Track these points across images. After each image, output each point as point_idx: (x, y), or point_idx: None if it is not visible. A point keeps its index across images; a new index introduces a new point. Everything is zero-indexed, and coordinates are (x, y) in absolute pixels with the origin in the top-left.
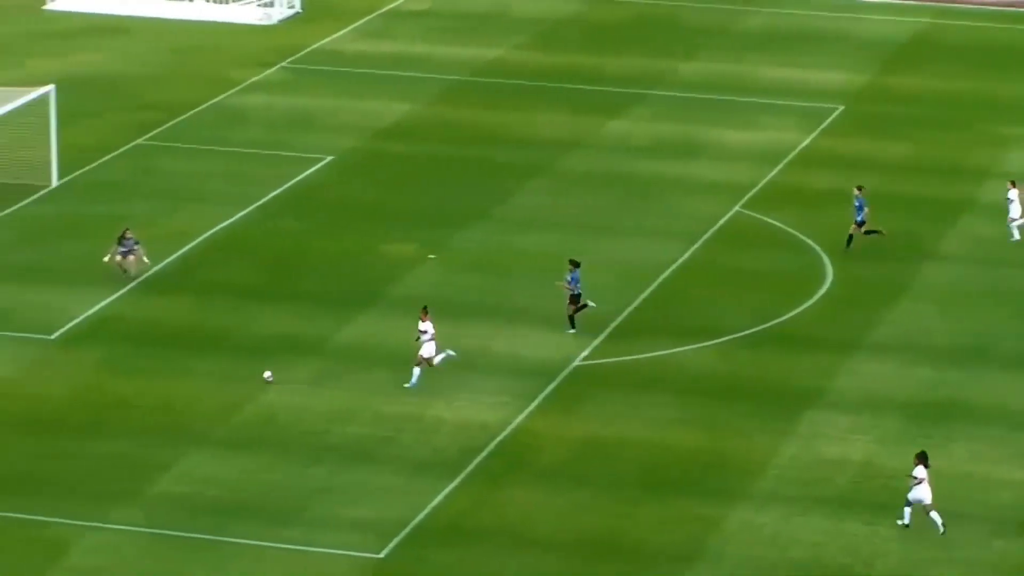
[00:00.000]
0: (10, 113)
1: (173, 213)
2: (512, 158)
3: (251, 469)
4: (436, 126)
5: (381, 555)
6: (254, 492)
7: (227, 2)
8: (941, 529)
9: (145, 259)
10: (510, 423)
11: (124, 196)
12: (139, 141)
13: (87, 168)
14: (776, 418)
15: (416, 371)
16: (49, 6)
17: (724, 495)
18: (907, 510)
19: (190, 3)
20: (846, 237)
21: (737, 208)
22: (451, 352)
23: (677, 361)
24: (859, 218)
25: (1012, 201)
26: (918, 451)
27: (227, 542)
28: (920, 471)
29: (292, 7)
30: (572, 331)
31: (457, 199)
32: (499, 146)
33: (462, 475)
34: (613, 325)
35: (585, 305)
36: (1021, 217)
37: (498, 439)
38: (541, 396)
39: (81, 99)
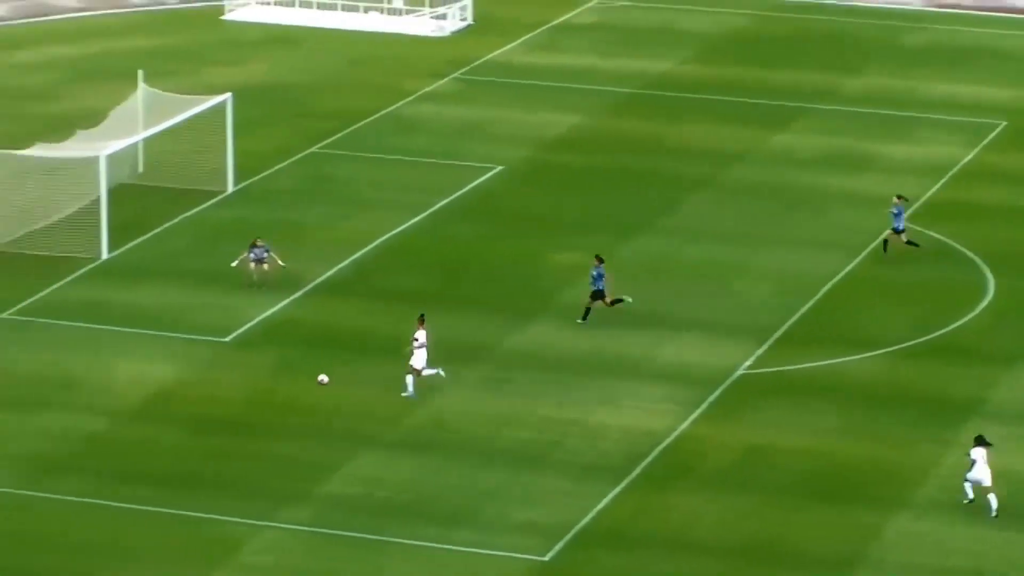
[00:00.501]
0: (188, 120)
1: (346, 219)
2: (678, 169)
3: (420, 471)
4: (604, 138)
5: (546, 558)
6: (422, 494)
7: (401, 14)
8: (993, 513)
9: (280, 262)
10: (674, 430)
11: (298, 202)
12: (313, 149)
13: (262, 175)
14: (937, 428)
15: (409, 379)
16: (227, 16)
17: (885, 503)
18: (967, 486)
19: (364, 15)
20: (908, 243)
21: None
22: (441, 372)
23: (839, 371)
24: (898, 226)
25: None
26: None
27: (395, 543)
28: (977, 452)
29: (464, 19)
30: (581, 322)
31: (624, 209)
32: (665, 157)
33: (627, 480)
34: (777, 335)
35: (621, 300)
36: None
37: (662, 445)
38: (705, 403)
39: (257, 107)
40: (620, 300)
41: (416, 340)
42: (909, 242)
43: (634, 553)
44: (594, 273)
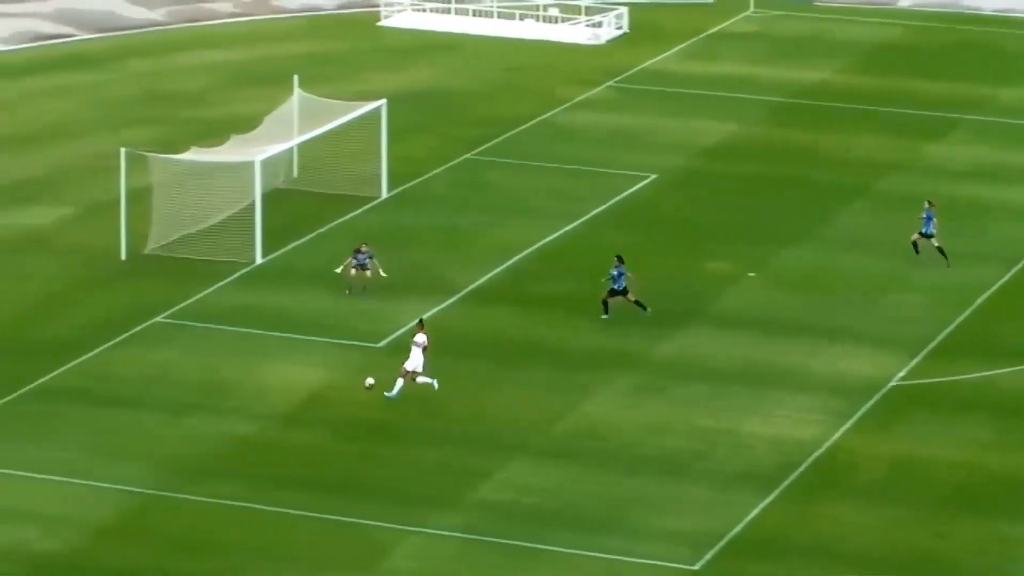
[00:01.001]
0: (343, 126)
1: (500, 226)
2: (833, 179)
3: (569, 478)
4: (758, 146)
5: (696, 567)
6: (571, 501)
7: (557, 22)
8: None
9: (381, 272)
10: (825, 440)
11: (451, 208)
12: (468, 155)
13: (416, 180)
14: None
15: (400, 383)
16: (383, 23)
17: None
18: None
19: (520, 22)
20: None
21: None
22: (435, 384)
23: (993, 383)
24: (928, 230)
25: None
26: None
27: (543, 549)
28: None
29: (620, 27)
30: (605, 316)
31: (778, 218)
32: (820, 167)
33: (777, 490)
34: (930, 346)
35: (643, 306)
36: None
37: (813, 456)
38: (857, 414)
39: (412, 113)
40: (642, 305)
41: (416, 343)
42: (939, 249)
43: (783, 563)
44: (614, 273)
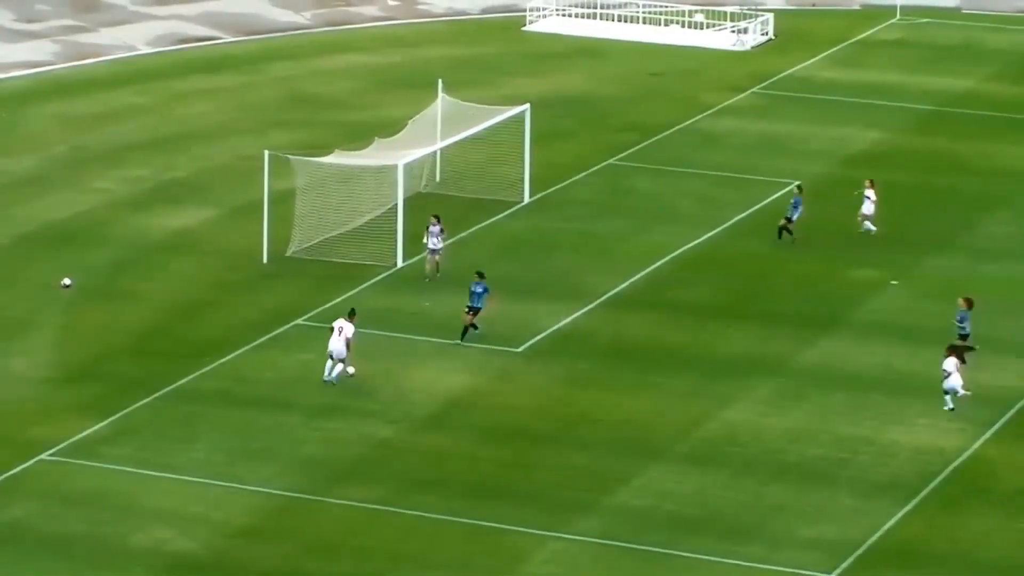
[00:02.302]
0: (486, 130)
1: (642, 232)
2: (979, 187)
3: (709, 485)
4: (904, 154)
5: (833, 575)
6: (711, 508)
7: (702, 28)
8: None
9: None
10: (967, 449)
11: (594, 214)
12: (611, 161)
13: (559, 186)
14: None
15: (329, 365)
16: (528, 28)
17: None
18: (947, 398)
19: (665, 28)
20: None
21: None
22: (350, 370)
23: None
24: (793, 216)
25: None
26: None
27: (681, 556)
28: (949, 363)
29: (765, 33)
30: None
31: (923, 226)
32: (966, 175)
33: (917, 499)
34: None
35: (473, 326)
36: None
37: (954, 464)
38: (999, 424)
39: (556, 118)
40: (471, 327)
41: (336, 328)
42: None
43: (923, 572)
44: (477, 290)
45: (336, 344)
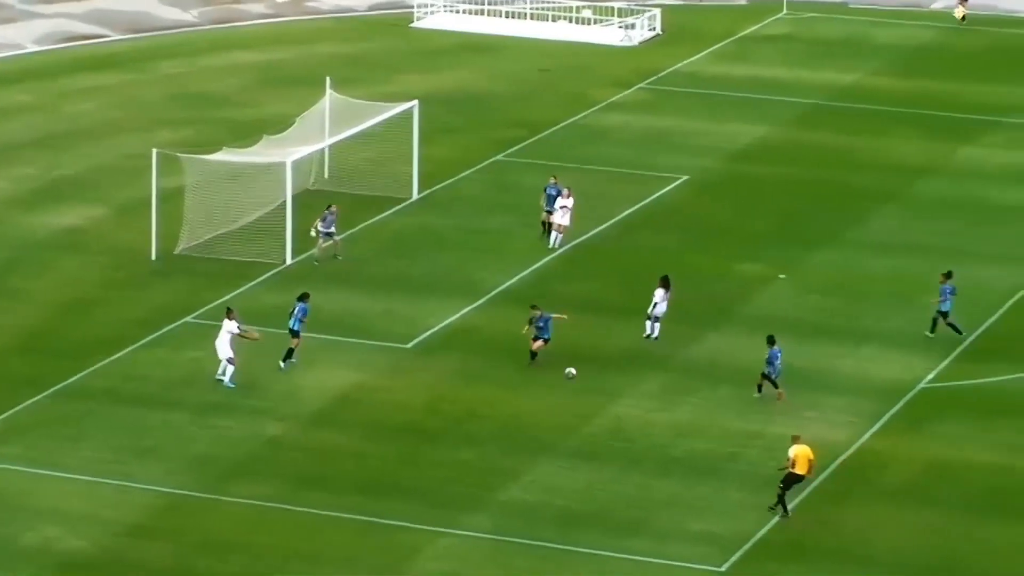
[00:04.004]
0: (375, 127)
1: (529, 228)
2: (865, 182)
3: (598, 480)
4: (791, 149)
5: (722, 568)
6: (600, 502)
7: (590, 23)
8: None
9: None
10: (855, 442)
11: (482, 210)
12: (499, 157)
13: (447, 182)
14: None
15: (231, 369)
16: (416, 24)
17: None
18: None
19: (553, 24)
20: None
21: None
22: (228, 364)
23: (1023, 386)
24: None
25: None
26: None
27: (572, 551)
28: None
29: (653, 29)
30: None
31: (810, 221)
32: (853, 170)
33: (806, 492)
34: (960, 348)
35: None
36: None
37: (842, 458)
38: (886, 416)
39: (444, 115)
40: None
41: (229, 333)
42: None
43: (811, 565)
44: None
45: (217, 343)
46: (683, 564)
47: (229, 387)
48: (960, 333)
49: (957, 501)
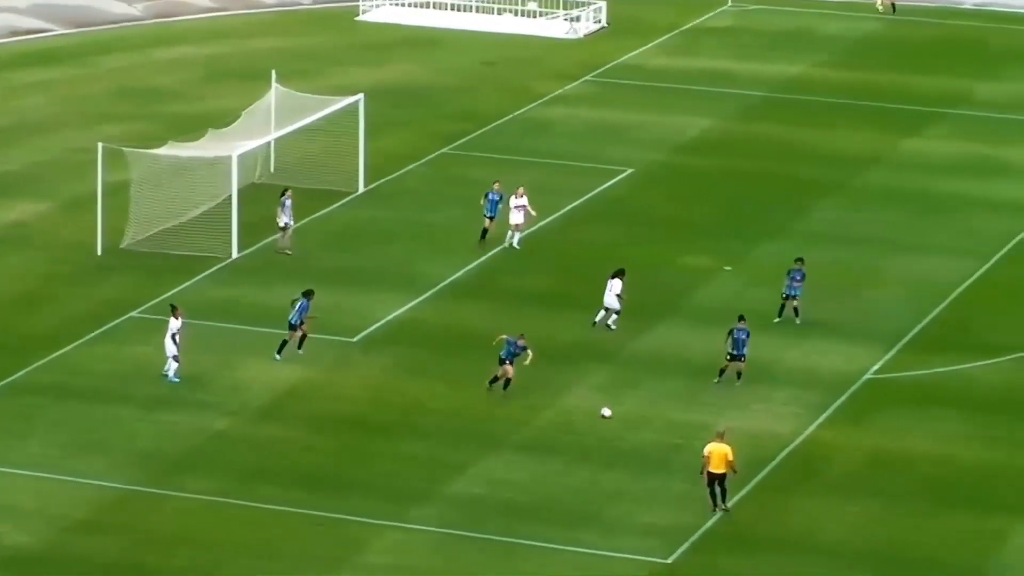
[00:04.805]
0: (320, 121)
1: (475, 221)
2: (810, 174)
3: (545, 473)
4: (736, 141)
5: (669, 560)
6: (547, 495)
7: (535, 16)
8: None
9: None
10: (800, 434)
11: (428, 203)
12: (445, 150)
13: (393, 175)
14: None
15: (174, 366)
16: (361, 17)
17: (1011, 511)
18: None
19: (498, 17)
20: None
21: None
22: (173, 361)
23: (968, 376)
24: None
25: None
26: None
27: (519, 544)
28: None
29: (598, 21)
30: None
31: (755, 213)
32: (798, 162)
33: (751, 484)
34: (906, 340)
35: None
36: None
37: (788, 449)
38: (832, 408)
39: (390, 108)
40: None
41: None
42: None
43: (757, 557)
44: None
45: (166, 341)
46: (630, 556)
47: (173, 382)
48: (796, 315)
49: (901, 491)
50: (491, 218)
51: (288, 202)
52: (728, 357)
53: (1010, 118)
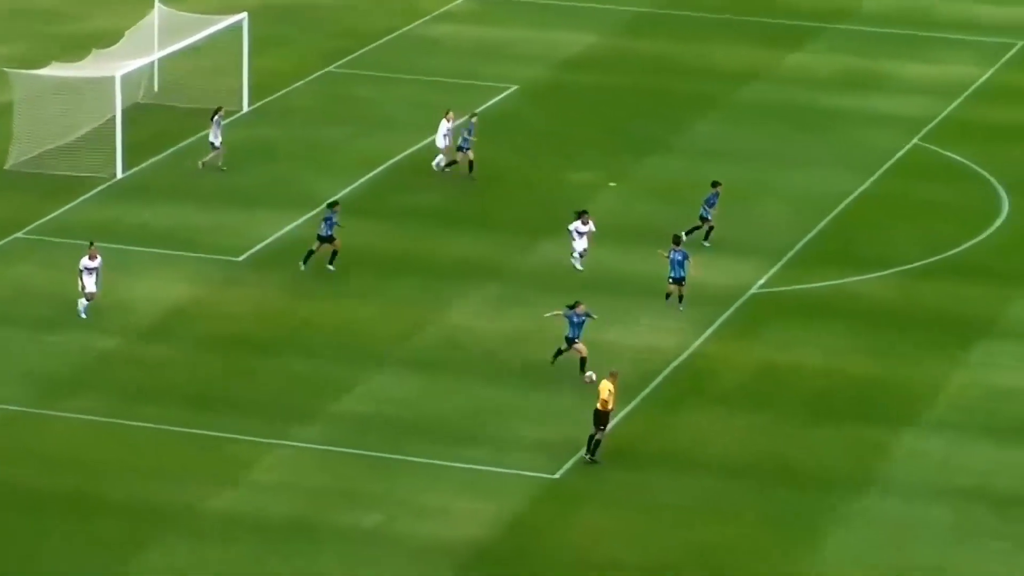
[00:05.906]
0: (204, 40)
1: (361, 138)
2: (692, 89)
3: (430, 390)
4: (619, 57)
5: (556, 476)
6: (433, 412)
7: None
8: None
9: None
10: (687, 349)
11: (313, 121)
12: (329, 68)
13: (278, 94)
14: (948, 347)
15: (83, 303)
16: None
17: (895, 422)
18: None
19: None
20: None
21: (915, 141)
22: (84, 304)
23: (851, 290)
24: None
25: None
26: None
27: (406, 461)
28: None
29: None
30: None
31: (638, 129)
32: (680, 77)
33: (638, 399)
34: (790, 254)
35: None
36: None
37: (674, 364)
38: (718, 323)
39: (274, 26)
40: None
41: (86, 269)
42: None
43: (644, 472)
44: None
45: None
46: (517, 472)
47: (81, 317)
48: (680, 300)
49: (788, 404)
50: (466, 150)
51: (219, 119)
52: (669, 280)
53: (892, 32)
